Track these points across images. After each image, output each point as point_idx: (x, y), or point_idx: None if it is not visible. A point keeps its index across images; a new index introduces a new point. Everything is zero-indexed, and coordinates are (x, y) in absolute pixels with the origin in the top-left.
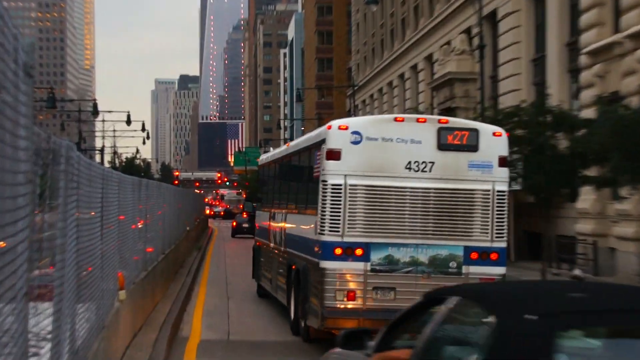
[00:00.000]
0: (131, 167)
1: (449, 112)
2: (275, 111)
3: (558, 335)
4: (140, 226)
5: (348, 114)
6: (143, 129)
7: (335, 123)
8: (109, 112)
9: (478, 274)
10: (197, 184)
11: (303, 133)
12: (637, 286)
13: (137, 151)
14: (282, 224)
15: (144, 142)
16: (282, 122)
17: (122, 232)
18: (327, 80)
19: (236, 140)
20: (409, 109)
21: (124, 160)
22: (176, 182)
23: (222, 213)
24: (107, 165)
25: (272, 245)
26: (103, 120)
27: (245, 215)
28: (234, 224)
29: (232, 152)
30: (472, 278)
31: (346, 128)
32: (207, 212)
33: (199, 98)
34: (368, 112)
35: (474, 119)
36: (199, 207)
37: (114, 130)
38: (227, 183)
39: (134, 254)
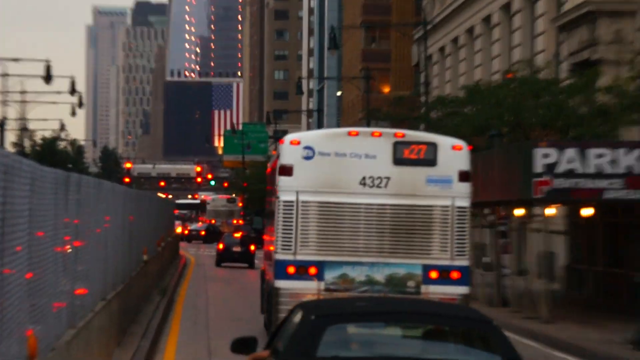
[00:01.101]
0: (52, 154)
1: (588, 66)
2: (294, 65)
3: (327, 328)
4: (67, 251)
5: (415, 72)
6: (73, 91)
7: (288, 138)
8: (14, 60)
9: (438, 293)
10: (163, 183)
11: (340, 105)
12: (427, 300)
13: (62, 127)
14: (268, 242)
15: (73, 113)
16: (304, 82)
17: (36, 259)
18: (381, 14)
19: (228, 113)
20: (517, 62)
21: (40, 141)
22: (127, 179)
23: (203, 232)
24: (9, 148)
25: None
26: (3, 75)
27: (238, 235)
28: (221, 246)
29: (221, 132)
30: (432, 298)
31: (298, 143)
32: (179, 229)
33: (167, 41)
34: (448, 69)
35: (632, 80)
36: (165, 221)
37: (23, 92)
38: (213, 183)
39: (55, 297)
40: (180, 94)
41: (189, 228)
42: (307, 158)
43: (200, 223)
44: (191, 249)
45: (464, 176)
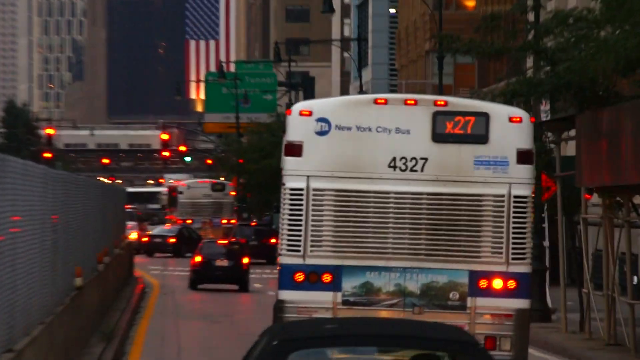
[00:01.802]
0: None
1: None
2: None
3: (290, 352)
4: None
5: None
6: None
7: (296, 107)
8: None
9: (488, 308)
10: (107, 160)
11: (395, 30)
12: (409, 320)
13: None
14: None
15: None
16: None
17: None
18: None
19: (212, 45)
20: None
21: None
22: (48, 153)
23: (173, 239)
24: None
25: None
26: None
27: (223, 242)
28: (198, 259)
29: (201, 77)
30: (481, 313)
31: (309, 114)
32: (135, 236)
33: None
34: None
35: None
36: (110, 223)
37: None
38: (188, 159)
39: None
40: (133, 15)
41: (149, 233)
42: (321, 133)
43: (168, 224)
44: (154, 266)
45: (524, 156)
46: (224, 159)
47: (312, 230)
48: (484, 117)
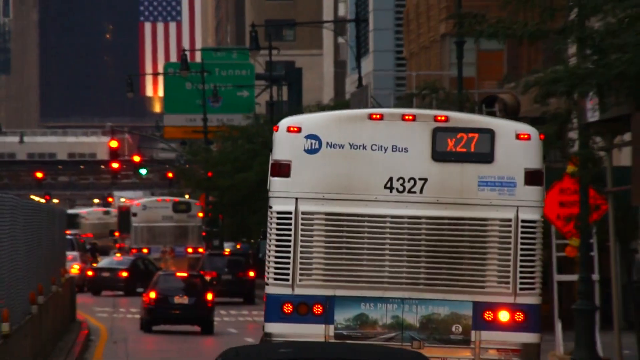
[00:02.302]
0: None
1: None
2: None
3: None
4: None
5: None
6: None
7: (283, 123)
8: None
9: (494, 342)
10: (40, 174)
11: (401, 9)
12: (366, 344)
13: None
14: None
15: None
16: None
17: None
18: None
19: (172, 27)
20: None
21: None
22: None
23: (125, 272)
24: None
25: None
26: None
27: (182, 275)
28: (152, 295)
29: (159, 69)
30: (486, 348)
31: (298, 130)
32: (76, 269)
33: None
34: None
35: None
36: (46, 254)
37: None
38: (144, 171)
39: None
40: None
41: (96, 266)
42: (311, 151)
43: (118, 254)
44: (101, 307)
45: (533, 177)
46: (188, 172)
47: (301, 258)
48: (489, 133)
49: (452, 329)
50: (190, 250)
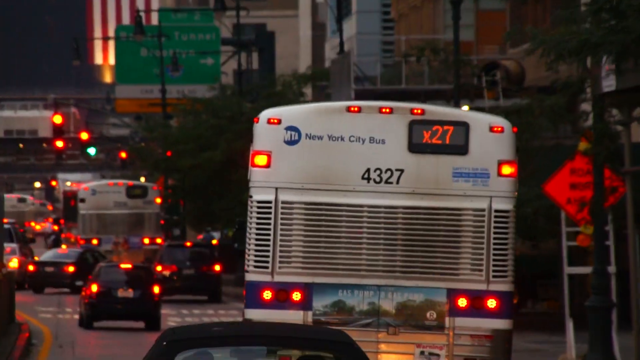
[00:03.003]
0: None
1: None
2: None
3: (177, 352)
4: None
5: None
6: None
7: (264, 114)
8: None
9: (467, 328)
10: None
11: None
12: (290, 323)
13: None
14: None
15: None
16: None
17: None
18: None
19: None
20: None
21: None
22: None
23: (72, 267)
24: None
25: None
26: None
27: (126, 267)
28: (94, 288)
29: (110, 32)
30: (459, 334)
31: (278, 122)
32: (15, 263)
33: None
34: None
35: None
36: None
37: None
38: (92, 151)
39: None
40: None
41: (38, 260)
42: (291, 143)
43: (64, 247)
44: (44, 307)
45: (506, 168)
46: (144, 152)
47: (281, 246)
48: (464, 126)
49: (427, 315)
50: (146, 241)
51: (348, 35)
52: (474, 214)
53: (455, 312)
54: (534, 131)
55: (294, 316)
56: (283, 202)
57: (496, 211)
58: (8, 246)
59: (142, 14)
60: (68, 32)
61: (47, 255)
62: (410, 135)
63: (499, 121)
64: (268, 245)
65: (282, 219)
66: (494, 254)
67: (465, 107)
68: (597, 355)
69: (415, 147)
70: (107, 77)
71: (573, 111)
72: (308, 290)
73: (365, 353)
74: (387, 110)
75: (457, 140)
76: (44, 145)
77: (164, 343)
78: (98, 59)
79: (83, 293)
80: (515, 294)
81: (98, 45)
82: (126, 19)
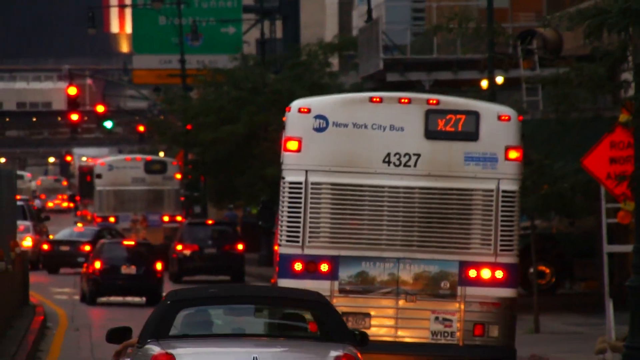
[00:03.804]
0: None
1: None
2: None
3: (180, 310)
4: None
5: None
6: None
7: (295, 105)
8: None
9: (477, 296)
10: None
11: None
12: (275, 287)
13: None
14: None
15: None
16: None
17: None
18: None
19: None
20: None
21: None
22: None
23: (89, 247)
24: None
25: None
26: None
27: (130, 243)
28: (97, 265)
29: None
30: (470, 302)
31: (308, 111)
32: (29, 242)
33: None
34: None
35: None
36: None
37: None
38: (109, 124)
39: None
40: None
41: (52, 238)
42: (319, 130)
43: (80, 224)
44: (59, 287)
45: (512, 153)
46: (163, 125)
47: (310, 222)
48: (475, 115)
49: (441, 284)
50: (166, 218)
51: (376, 2)
52: (483, 194)
53: (466, 282)
54: (571, 102)
55: (322, 285)
56: (312, 183)
57: (503, 192)
58: (21, 224)
59: None
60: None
61: (63, 233)
62: (426, 123)
63: (506, 110)
64: (299, 222)
65: (311, 198)
66: (502, 230)
67: (500, 78)
68: (639, 338)
69: (431, 134)
70: (124, 47)
71: (613, 80)
72: (334, 262)
73: (337, 311)
74: (406, 100)
75: (468, 128)
76: (59, 118)
77: (169, 302)
78: (114, 28)
79: (84, 270)
80: (552, 274)
81: (114, 13)
82: None
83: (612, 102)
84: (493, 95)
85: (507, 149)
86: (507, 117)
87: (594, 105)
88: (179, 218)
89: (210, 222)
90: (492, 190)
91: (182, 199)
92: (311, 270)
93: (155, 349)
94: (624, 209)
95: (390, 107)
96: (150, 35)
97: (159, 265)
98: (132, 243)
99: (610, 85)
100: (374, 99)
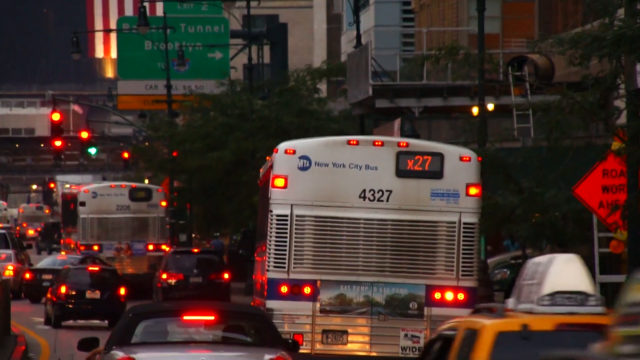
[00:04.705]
0: None
1: None
2: None
3: (139, 322)
4: None
5: None
6: None
7: (282, 146)
8: None
9: (441, 316)
10: None
11: None
12: (222, 302)
13: None
14: (257, 265)
15: None
16: None
17: None
18: None
19: None
20: None
21: None
22: None
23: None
24: None
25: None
26: None
27: (94, 269)
28: (63, 289)
29: (110, 24)
30: (435, 321)
31: (293, 152)
32: (10, 271)
33: None
34: None
35: None
36: None
37: None
38: (93, 150)
39: None
40: None
41: (34, 267)
42: (303, 169)
43: (63, 253)
44: (41, 317)
45: (472, 190)
46: (148, 151)
47: (295, 250)
48: (439, 156)
49: (410, 305)
50: (151, 247)
51: (365, 27)
52: (447, 226)
53: (432, 303)
54: (563, 130)
55: (305, 305)
56: (297, 216)
57: (464, 224)
58: (3, 252)
59: (146, 5)
60: (67, 24)
61: (45, 262)
62: (397, 163)
63: (467, 152)
64: (285, 250)
65: (296, 229)
66: (463, 258)
67: (491, 105)
68: None
69: (401, 172)
70: (109, 72)
71: (605, 108)
72: (316, 285)
73: (273, 322)
74: (379, 143)
75: (434, 167)
76: (42, 144)
77: (130, 315)
78: (99, 53)
79: (49, 295)
80: None
81: (99, 37)
82: (129, 10)
83: (604, 129)
84: (484, 122)
85: (468, 186)
86: (467, 158)
87: (586, 133)
88: (164, 246)
89: (195, 250)
90: (454, 223)
91: (168, 226)
92: (296, 292)
93: (119, 354)
94: (617, 239)
95: (365, 149)
96: (136, 60)
97: (122, 290)
98: (97, 269)
99: (602, 113)
100: (351, 142)
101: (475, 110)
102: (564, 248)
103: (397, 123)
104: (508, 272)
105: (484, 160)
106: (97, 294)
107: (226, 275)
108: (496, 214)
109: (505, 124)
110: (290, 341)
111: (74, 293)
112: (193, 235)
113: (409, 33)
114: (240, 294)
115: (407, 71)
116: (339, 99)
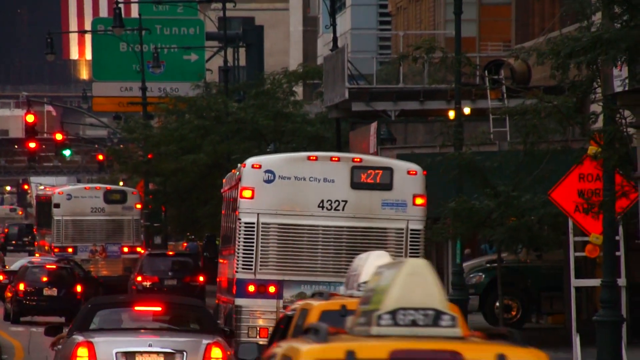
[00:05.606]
0: None
1: None
2: None
3: (97, 312)
4: None
5: None
6: None
7: (249, 162)
8: None
9: None
10: None
11: None
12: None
13: None
14: (221, 267)
15: None
16: None
17: None
18: None
19: None
20: None
21: None
22: None
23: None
24: None
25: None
26: None
27: (51, 267)
28: (21, 287)
29: (85, 25)
30: None
31: (259, 167)
32: None
33: None
34: None
35: None
36: None
37: None
38: (67, 152)
39: None
40: None
41: (8, 269)
42: (268, 181)
43: (37, 255)
44: (15, 325)
45: (418, 200)
46: (123, 154)
47: (261, 253)
48: (389, 170)
49: None
50: (126, 249)
51: (342, 30)
52: (396, 232)
53: None
54: (539, 134)
55: (270, 303)
56: (263, 223)
57: (411, 230)
58: None
59: (121, 6)
60: (42, 25)
61: (19, 264)
62: (352, 176)
63: (414, 167)
64: (252, 253)
65: (262, 234)
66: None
67: (467, 109)
68: None
69: (355, 184)
70: (84, 74)
71: (581, 112)
72: (280, 284)
73: (211, 313)
74: (336, 159)
75: (384, 180)
76: (16, 146)
77: (89, 305)
78: (74, 54)
79: (7, 292)
80: (518, 308)
81: (74, 39)
82: (104, 12)
83: (581, 133)
84: (460, 125)
85: (414, 196)
86: (414, 172)
87: (563, 137)
88: (139, 249)
89: (170, 253)
90: (402, 229)
91: (143, 229)
92: (262, 291)
93: (79, 338)
94: (592, 243)
95: (323, 164)
96: (111, 62)
97: (79, 288)
98: (54, 266)
99: (579, 117)
100: (311, 158)
101: (451, 114)
102: (539, 252)
103: (373, 126)
104: (483, 276)
105: (461, 164)
106: (54, 291)
107: (201, 278)
108: (472, 217)
109: (482, 127)
110: (226, 329)
111: (31, 290)
112: (167, 243)
113: (386, 36)
114: (214, 297)
115: (384, 74)
116: (315, 102)
